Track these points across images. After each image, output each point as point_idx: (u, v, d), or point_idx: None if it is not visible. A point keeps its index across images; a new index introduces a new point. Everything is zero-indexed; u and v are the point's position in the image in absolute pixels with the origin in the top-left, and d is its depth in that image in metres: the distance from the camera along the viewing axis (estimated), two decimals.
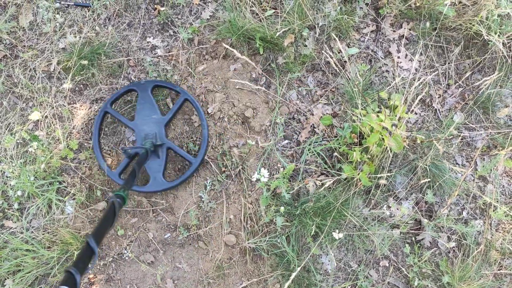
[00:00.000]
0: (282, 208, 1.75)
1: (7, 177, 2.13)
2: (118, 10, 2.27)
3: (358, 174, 1.69)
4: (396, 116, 1.63)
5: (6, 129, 2.18)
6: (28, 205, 2.08)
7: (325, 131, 2.05)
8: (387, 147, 1.69)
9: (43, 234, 2.05)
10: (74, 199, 2.07)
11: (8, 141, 1.69)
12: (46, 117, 2.18)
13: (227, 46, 1.57)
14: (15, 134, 2.17)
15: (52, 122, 2.16)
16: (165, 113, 2.05)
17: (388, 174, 1.67)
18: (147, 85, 2.05)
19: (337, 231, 1.52)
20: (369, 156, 1.74)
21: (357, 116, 1.78)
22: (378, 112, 1.77)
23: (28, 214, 2.07)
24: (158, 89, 2.17)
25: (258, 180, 1.67)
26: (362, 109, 1.78)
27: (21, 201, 2.09)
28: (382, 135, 1.53)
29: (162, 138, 2.00)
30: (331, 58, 2.06)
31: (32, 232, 2.05)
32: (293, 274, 1.36)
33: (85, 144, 2.14)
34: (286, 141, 2.08)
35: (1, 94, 2.22)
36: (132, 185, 1.56)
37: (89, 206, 2.08)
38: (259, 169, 2.00)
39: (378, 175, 1.68)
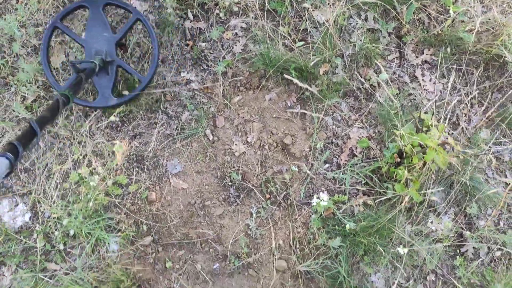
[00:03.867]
0: (348, 226, 1.88)
1: (48, 217, 2.17)
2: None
3: (408, 191, 1.85)
4: (441, 134, 1.81)
5: (45, 170, 2.23)
6: (74, 245, 2.12)
7: (363, 153, 2.21)
8: (430, 164, 1.87)
9: (89, 274, 2.08)
10: (119, 236, 2.13)
11: (72, 178, 1.75)
12: (86, 155, 2.25)
13: (289, 77, 1.72)
14: (54, 174, 2.22)
15: (93, 160, 2.23)
16: (117, 32, 2.10)
17: (438, 189, 1.84)
18: (99, 2, 2.09)
19: (401, 246, 1.66)
20: (416, 175, 1.91)
21: (399, 137, 1.95)
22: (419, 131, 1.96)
23: (78, 256, 2.10)
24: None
25: (317, 204, 1.79)
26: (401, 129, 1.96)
27: (66, 242, 2.13)
28: (437, 152, 1.71)
29: (112, 56, 2.06)
30: (364, 83, 2.26)
31: (80, 272, 2.07)
32: None
33: (128, 180, 2.22)
34: (327, 165, 2.23)
35: None
36: (78, 91, 1.69)
37: (136, 242, 2.14)
38: (303, 190, 2.13)
39: (427, 191, 1.84)
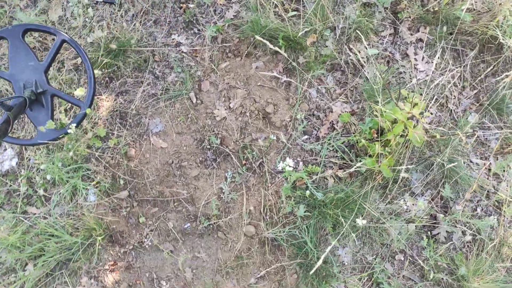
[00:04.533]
0: (307, 192, 1.87)
1: (32, 163, 2.26)
2: (145, 7, 2.44)
3: (379, 166, 1.83)
4: (418, 110, 1.77)
5: None
6: (54, 191, 2.21)
7: (343, 128, 2.19)
8: (406, 142, 1.83)
9: (65, 220, 2.17)
10: (97, 187, 2.20)
11: (48, 125, 1.81)
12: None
13: (261, 39, 1.71)
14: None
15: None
16: (43, 59, 1.91)
17: (409, 166, 1.80)
18: (16, 30, 1.87)
19: (360, 217, 1.65)
20: (389, 150, 1.88)
21: (378, 112, 1.92)
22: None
23: (52, 201, 2.19)
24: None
25: (283, 169, 1.80)
26: (382, 105, 1.92)
27: (46, 188, 2.22)
28: (406, 127, 1.67)
29: (44, 85, 1.86)
30: (353, 58, 2.22)
31: (56, 218, 2.17)
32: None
33: (110, 134, 2.28)
34: (306, 137, 2.22)
35: None
36: (7, 132, 1.56)
37: (111, 195, 2.21)
38: (279, 159, 2.14)
39: (399, 167, 1.82)
